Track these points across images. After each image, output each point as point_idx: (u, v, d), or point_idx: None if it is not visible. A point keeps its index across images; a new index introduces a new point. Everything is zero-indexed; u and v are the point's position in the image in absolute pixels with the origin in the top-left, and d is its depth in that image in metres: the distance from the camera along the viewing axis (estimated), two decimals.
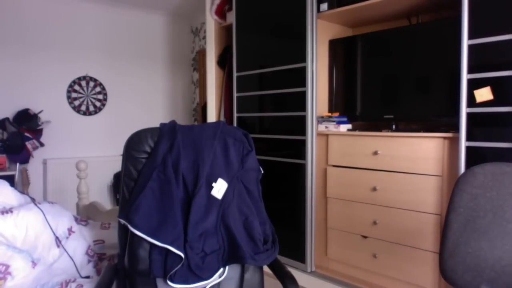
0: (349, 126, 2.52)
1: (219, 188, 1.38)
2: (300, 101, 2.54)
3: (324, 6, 2.49)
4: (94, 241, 1.75)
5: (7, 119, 3.84)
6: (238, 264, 1.39)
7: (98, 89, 4.56)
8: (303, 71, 2.51)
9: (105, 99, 4.62)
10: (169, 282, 1.26)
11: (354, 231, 2.39)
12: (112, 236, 1.78)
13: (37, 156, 4.09)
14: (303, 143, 2.54)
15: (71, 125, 4.37)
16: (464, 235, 1.23)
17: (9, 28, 3.95)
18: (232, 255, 1.35)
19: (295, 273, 2.53)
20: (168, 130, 1.46)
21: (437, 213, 2.02)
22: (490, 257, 1.19)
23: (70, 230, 1.68)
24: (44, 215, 1.61)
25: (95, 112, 4.55)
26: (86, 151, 4.44)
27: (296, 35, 2.54)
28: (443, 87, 2.11)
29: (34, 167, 4.07)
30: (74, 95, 4.38)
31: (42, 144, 3.99)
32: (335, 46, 2.64)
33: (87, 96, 4.48)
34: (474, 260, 1.20)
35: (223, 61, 3.34)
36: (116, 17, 4.63)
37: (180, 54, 5.20)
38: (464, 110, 1.86)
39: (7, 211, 1.54)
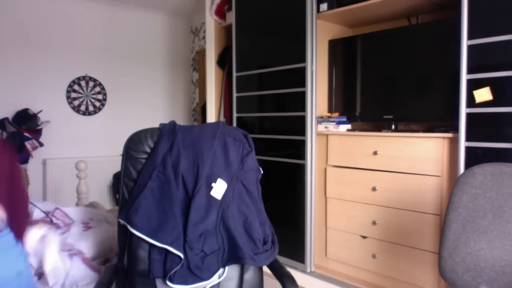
0: (349, 126, 2.52)
1: (219, 189, 1.38)
2: (299, 101, 2.54)
3: (323, 6, 2.49)
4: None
5: (6, 119, 3.84)
6: (237, 265, 1.39)
7: (97, 89, 4.55)
8: (302, 71, 2.51)
9: (105, 99, 4.62)
10: (168, 283, 1.26)
11: (354, 231, 2.39)
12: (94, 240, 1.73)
13: (37, 156, 4.09)
14: (302, 143, 2.54)
15: (70, 125, 4.37)
16: (463, 235, 1.23)
17: (9, 28, 3.95)
18: (231, 255, 1.35)
19: (295, 273, 2.53)
20: (167, 131, 1.46)
21: (436, 213, 2.02)
22: (489, 257, 1.19)
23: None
24: None
25: (95, 112, 4.55)
26: (86, 151, 4.44)
27: (295, 35, 2.54)
28: (443, 87, 2.11)
29: (33, 167, 4.07)
30: (73, 95, 4.38)
31: (41, 144, 3.99)
32: (334, 46, 2.64)
33: (86, 96, 4.48)
34: (474, 260, 1.20)
35: (223, 61, 3.34)
36: (116, 17, 4.63)
37: (180, 54, 5.20)
38: (463, 110, 1.86)
39: None
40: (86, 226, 1.87)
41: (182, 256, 1.28)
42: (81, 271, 1.57)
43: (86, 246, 1.68)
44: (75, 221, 1.87)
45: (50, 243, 1.58)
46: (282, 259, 2.65)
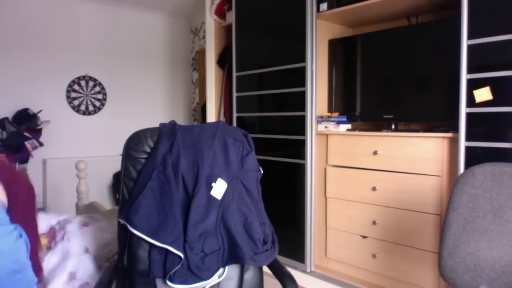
0: (349, 126, 2.52)
1: (219, 188, 1.38)
2: (299, 101, 2.54)
3: (323, 6, 2.49)
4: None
5: (6, 118, 3.83)
6: (237, 264, 1.39)
7: (97, 88, 4.55)
8: (302, 71, 2.51)
9: (105, 99, 4.62)
10: (168, 282, 1.26)
11: (354, 231, 2.39)
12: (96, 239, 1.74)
13: (37, 156, 4.09)
14: (302, 143, 2.54)
15: (70, 125, 4.37)
16: (463, 235, 1.23)
17: (9, 28, 3.95)
18: (231, 255, 1.35)
19: (295, 273, 2.53)
20: (167, 130, 1.46)
21: (436, 213, 2.02)
22: (489, 257, 1.19)
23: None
24: None
25: (95, 112, 4.55)
26: (86, 151, 4.44)
27: (295, 35, 2.54)
28: (443, 87, 2.11)
29: (33, 167, 4.07)
30: (73, 94, 4.38)
31: (41, 144, 3.99)
32: (334, 46, 2.64)
33: (86, 95, 4.48)
34: (474, 260, 1.20)
35: (223, 61, 3.34)
36: (116, 17, 4.63)
37: (179, 54, 5.20)
38: (463, 110, 1.86)
39: None
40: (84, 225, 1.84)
41: (182, 256, 1.28)
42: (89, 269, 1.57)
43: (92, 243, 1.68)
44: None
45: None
46: (282, 259, 2.65)
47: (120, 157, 1.47)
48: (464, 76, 1.86)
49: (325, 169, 2.53)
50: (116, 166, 4.47)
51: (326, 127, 2.50)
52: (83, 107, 4.45)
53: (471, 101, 1.84)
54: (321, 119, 2.54)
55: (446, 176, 1.99)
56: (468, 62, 1.85)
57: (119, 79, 4.70)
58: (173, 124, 1.49)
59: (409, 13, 2.43)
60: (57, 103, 4.27)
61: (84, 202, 2.83)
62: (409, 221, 2.13)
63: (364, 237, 2.34)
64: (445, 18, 2.16)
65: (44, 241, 1.62)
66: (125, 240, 1.37)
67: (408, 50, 2.26)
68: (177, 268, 1.27)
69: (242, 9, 2.93)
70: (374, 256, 2.29)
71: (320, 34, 2.58)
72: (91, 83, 4.50)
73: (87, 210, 2.68)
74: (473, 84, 1.83)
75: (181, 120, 5.23)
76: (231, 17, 3.05)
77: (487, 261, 1.19)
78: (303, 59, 2.50)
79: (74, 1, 4.32)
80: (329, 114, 2.61)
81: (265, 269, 1.43)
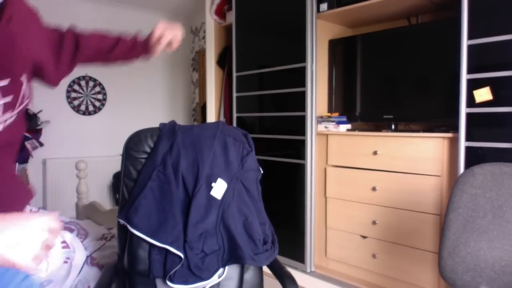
0: (349, 126, 2.52)
1: (219, 188, 1.38)
2: (299, 101, 2.54)
3: (323, 6, 2.49)
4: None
5: None
6: (237, 264, 1.39)
7: (97, 89, 4.55)
8: (302, 71, 2.51)
9: (105, 99, 4.61)
10: (168, 283, 1.26)
11: (354, 231, 2.39)
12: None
13: (37, 156, 4.09)
14: (302, 143, 2.54)
15: (70, 125, 4.37)
16: (463, 235, 1.23)
17: None
18: (231, 255, 1.35)
19: (295, 273, 2.53)
20: (168, 130, 1.46)
21: (436, 213, 2.02)
22: (489, 257, 1.19)
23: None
24: None
25: (95, 112, 4.55)
26: (86, 151, 4.44)
27: (295, 35, 2.54)
28: (443, 87, 2.11)
29: (33, 167, 4.07)
30: (73, 95, 4.38)
31: (41, 144, 3.99)
32: (335, 46, 2.64)
33: (86, 96, 4.48)
34: (474, 260, 1.20)
35: (223, 61, 3.34)
36: (116, 17, 4.63)
37: (179, 54, 5.20)
38: (463, 110, 1.86)
39: None
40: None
41: (182, 256, 1.28)
42: (93, 272, 1.57)
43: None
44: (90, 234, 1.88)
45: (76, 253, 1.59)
46: (282, 259, 2.65)
47: (120, 157, 1.48)
48: (464, 76, 1.86)
49: (325, 169, 2.53)
50: (116, 166, 4.47)
51: (326, 127, 2.50)
52: (83, 107, 4.45)
53: (471, 101, 1.84)
54: (321, 119, 2.54)
55: (446, 176, 1.99)
56: (468, 62, 1.85)
57: (119, 79, 4.70)
58: (173, 124, 1.49)
59: (409, 13, 2.43)
60: (57, 103, 4.27)
61: (84, 202, 2.83)
62: (409, 221, 2.13)
63: (364, 237, 2.34)
64: (445, 18, 2.16)
65: None
66: (125, 240, 1.37)
67: (408, 50, 2.26)
68: (177, 268, 1.27)
69: (242, 9, 2.93)
70: (374, 256, 2.29)
71: (320, 34, 2.58)
72: (91, 83, 4.50)
73: (87, 210, 2.68)
74: (473, 84, 1.83)
75: (181, 120, 5.23)
76: (231, 17, 3.05)
77: (487, 261, 1.19)
78: (303, 59, 2.50)
79: (74, 1, 4.32)
80: (329, 114, 2.61)
81: (265, 269, 1.43)
